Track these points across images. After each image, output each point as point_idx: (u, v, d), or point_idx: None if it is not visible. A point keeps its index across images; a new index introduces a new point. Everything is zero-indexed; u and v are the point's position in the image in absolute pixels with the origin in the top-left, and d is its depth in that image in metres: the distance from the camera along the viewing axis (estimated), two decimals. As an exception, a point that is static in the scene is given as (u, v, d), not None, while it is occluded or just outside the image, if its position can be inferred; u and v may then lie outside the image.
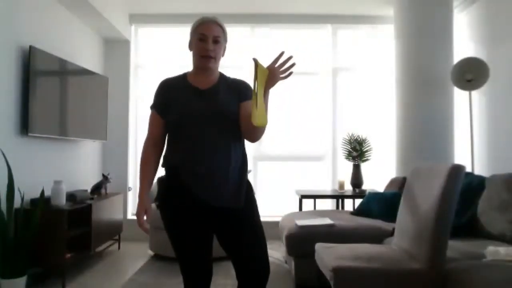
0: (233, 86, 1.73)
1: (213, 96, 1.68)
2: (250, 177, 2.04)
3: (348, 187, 4.30)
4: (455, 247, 2.42)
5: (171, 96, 1.68)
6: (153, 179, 1.72)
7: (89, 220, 3.49)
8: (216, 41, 1.67)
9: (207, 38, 1.65)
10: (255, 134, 1.65)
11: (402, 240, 2.39)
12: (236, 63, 4.31)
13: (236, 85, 1.74)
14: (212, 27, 1.67)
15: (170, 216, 1.67)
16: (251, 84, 1.61)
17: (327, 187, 4.93)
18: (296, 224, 3.09)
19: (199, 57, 1.68)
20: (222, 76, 1.77)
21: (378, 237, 2.94)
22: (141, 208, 1.65)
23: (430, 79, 4.05)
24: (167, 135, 1.73)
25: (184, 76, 1.75)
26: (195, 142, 1.62)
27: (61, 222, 3.09)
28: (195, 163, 1.61)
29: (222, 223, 1.68)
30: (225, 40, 1.73)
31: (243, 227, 1.68)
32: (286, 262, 3.68)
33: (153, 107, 1.74)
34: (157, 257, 3.99)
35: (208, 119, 1.63)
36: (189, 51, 1.75)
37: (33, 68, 3.21)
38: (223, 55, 1.75)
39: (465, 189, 2.89)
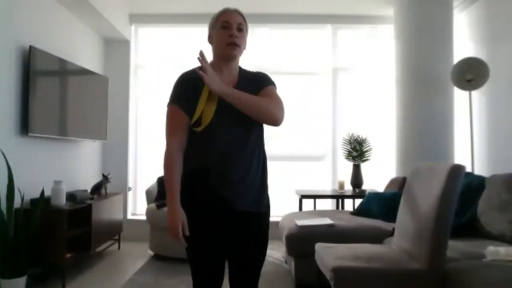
0: (254, 80, 1.67)
1: None
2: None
3: (348, 187, 4.30)
4: (455, 247, 2.43)
5: (195, 93, 1.56)
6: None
7: (89, 220, 3.49)
8: (240, 29, 1.61)
9: (231, 25, 1.60)
10: (268, 115, 1.57)
11: (402, 240, 2.39)
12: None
13: (256, 79, 1.68)
14: (235, 16, 1.63)
15: (191, 220, 1.54)
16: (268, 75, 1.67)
17: (327, 187, 4.93)
18: (296, 224, 3.09)
19: (224, 46, 1.60)
20: (241, 71, 1.71)
21: (378, 237, 2.94)
22: (177, 220, 1.49)
23: (430, 79, 4.05)
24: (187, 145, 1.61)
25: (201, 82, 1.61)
26: (226, 145, 1.54)
27: (61, 222, 3.09)
28: (227, 166, 1.54)
29: (238, 229, 1.60)
30: (247, 31, 1.67)
31: (251, 240, 1.62)
32: (286, 262, 3.68)
33: (175, 102, 1.58)
34: (157, 257, 3.99)
35: (235, 120, 1.55)
36: (209, 44, 1.68)
37: (33, 68, 3.21)
38: (245, 48, 1.67)
39: (465, 189, 2.90)
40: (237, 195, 1.55)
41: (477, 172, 3.75)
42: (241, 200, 1.56)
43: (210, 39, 1.68)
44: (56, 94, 3.62)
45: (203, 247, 1.56)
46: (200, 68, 1.54)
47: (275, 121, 1.59)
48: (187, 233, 1.50)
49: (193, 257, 1.59)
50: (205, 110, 1.53)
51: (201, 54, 1.53)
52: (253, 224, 1.62)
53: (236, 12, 1.65)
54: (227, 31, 1.59)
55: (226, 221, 1.57)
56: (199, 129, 1.53)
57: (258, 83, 1.65)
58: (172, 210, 1.51)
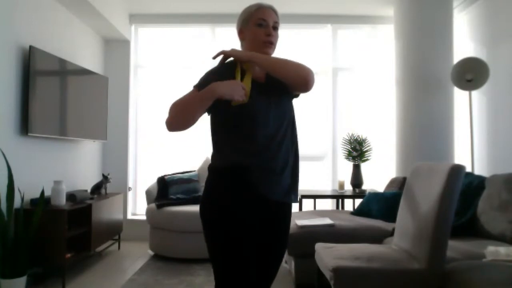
0: None
1: (271, 88, 1.56)
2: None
3: (348, 187, 4.30)
4: (455, 247, 2.43)
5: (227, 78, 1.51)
6: None
7: (89, 220, 3.49)
8: (275, 27, 1.58)
9: (268, 24, 1.56)
10: (299, 79, 1.52)
11: (402, 240, 2.39)
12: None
13: None
14: (271, 13, 1.58)
15: (227, 218, 1.45)
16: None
17: (327, 187, 4.93)
18: (296, 224, 3.09)
19: (260, 43, 1.55)
20: None
21: (378, 237, 2.94)
22: (230, 82, 1.46)
23: (430, 79, 4.05)
24: (218, 131, 1.56)
25: (234, 66, 1.57)
26: (262, 136, 1.48)
27: (61, 222, 3.09)
28: (268, 163, 1.49)
29: (273, 220, 1.59)
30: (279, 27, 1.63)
31: (282, 229, 1.63)
32: (286, 262, 3.68)
33: (199, 85, 1.52)
34: (157, 257, 3.99)
35: (263, 108, 1.50)
36: (240, 40, 1.64)
37: (33, 68, 3.21)
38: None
39: (465, 189, 2.90)
40: (278, 186, 1.52)
41: (477, 172, 3.76)
42: (280, 190, 1.53)
43: (242, 35, 1.62)
44: (56, 94, 3.62)
45: (243, 244, 1.46)
46: (223, 64, 1.57)
47: (307, 83, 1.52)
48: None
49: (233, 256, 1.44)
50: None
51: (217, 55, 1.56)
52: (285, 214, 1.63)
53: (271, 9, 1.60)
54: (264, 30, 1.56)
55: (263, 213, 1.53)
56: (243, 101, 1.45)
57: None
58: (209, 88, 1.44)
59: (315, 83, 1.54)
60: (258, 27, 1.55)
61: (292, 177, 1.59)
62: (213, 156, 1.58)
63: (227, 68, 1.56)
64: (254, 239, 1.49)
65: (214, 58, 1.58)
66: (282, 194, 1.54)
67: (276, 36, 1.59)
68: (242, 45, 1.64)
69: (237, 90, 1.44)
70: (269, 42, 1.56)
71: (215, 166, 1.54)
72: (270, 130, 1.50)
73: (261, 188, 1.48)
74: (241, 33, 1.61)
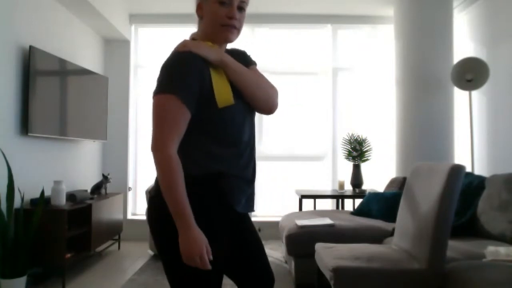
0: (241, 58, 1.40)
1: None
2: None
3: (348, 187, 4.30)
4: (455, 247, 2.43)
5: (204, 81, 1.23)
6: None
7: (89, 220, 3.49)
8: (241, 7, 1.30)
9: (231, 2, 1.27)
10: (262, 98, 1.33)
11: (402, 240, 2.39)
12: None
13: (242, 56, 1.42)
14: None
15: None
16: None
17: (327, 187, 4.93)
18: (296, 224, 3.09)
19: (219, 26, 1.28)
20: (226, 50, 1.39)
21: (378, 237, 2.94)
22: (202, 244, 1.16)
23: (430, 79, 4.05)
24: (191, 132, 1.26)
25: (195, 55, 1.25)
26: (239, 142, 1.30)
27: (61, 222, 3.09)
28: (242, 168, 1.32)
29: (239, 231, 1.40)
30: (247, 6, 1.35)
31: (252, 233, 1.46)
32: (286, 262, 3.67)
33: (176, 92, 1.19)
34: (157, 257, 3.99)
35: (241, 111, 1.31)
36: (196, 18, 1.36)
37: (33, 68, 3.21)
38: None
39: (465, 189, 2.90)
40: (248, 196, 1.36)
41: (477, 172, 3.76)
42: (248, 202, 1.37)
43: (200, 11, 1.34)
44: (56, 94, 3.62)
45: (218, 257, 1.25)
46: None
47: (271, 107, 1.36)
48: (211, 257, 1.18)
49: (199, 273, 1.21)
50: (223, 92, 1.26)
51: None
52: (249, 222, 1.47)
53: None
54: (225, 9, 1.27)
55: (233, 225, 1.36)
56: (231, 102, 1.25)
57: (245, 61, 1.41)
58: (193, 233, 1.16)
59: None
60: (220, 5, 1.27)
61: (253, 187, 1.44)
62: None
63: (199, 69, 1.23)
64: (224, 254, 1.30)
65: (180, 51, 1.25)
66: (250, 205, 1.39)
67: (242, 18, 1.32)
68: (199, 24, 1.35)
69: (201, 261, 1.17)
70: (231, 26, 1.28)
71: (187, 174, 1.20)
72: (245, 136, 1.33)
73: (232, 199, 1.29)
74: (200, 8, 1.34)
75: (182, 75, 1.21)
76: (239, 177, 1.31)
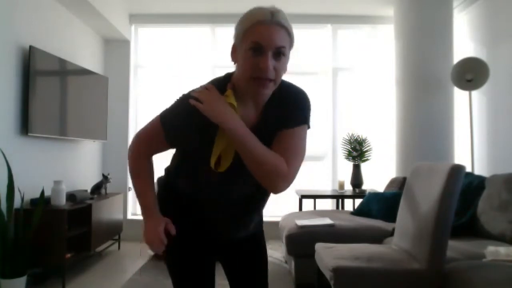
0: (283, 115, 1.18)
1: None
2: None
3: (348, 187, 4.30)
4: (455, 247, 2.43)
5: (201, 135, 1.14)
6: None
7: (89, 220, 3.49)
8: (279, 53, 1.08)
9: (265, 50, 1.05)
10: (266, 179, 1.13)
11: (402, 240, 2.39)
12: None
13: (286, 114, 1.18)
14: (274, 33, 1.06)
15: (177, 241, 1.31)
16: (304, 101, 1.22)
17: (327, 187, 4.93)
18: (296, 224, 3.09)
19: (248, 79, 1.08)
20: (271, 99, 1.18)
21: (378, 237, 2.94)
22: (158, 223, 1.23)
23: (430, 79, 4.05)
24: (178, 159, 1.34)
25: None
26: (219, 200, 1.27)
27: (61, 222, 3.09)
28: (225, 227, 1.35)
29: (232, 251, 1.44)
30: (291, 47, 1.15)
31: (254, 258, 1.48)
32: (286, 262, 3.67)
33: (166, 129, 1.18)
34: (157, 257, 3.99)
35: (233, 174, 1.18)
36: (231, 61, 1.16)
37: (33, 68, 3.21)
38: (285, 71, 1.13)
39: (465, 189, 2.90)
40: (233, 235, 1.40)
41: (477, 172, 3.75)
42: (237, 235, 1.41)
43: (234, 55, 1.14)
44: (56, 94, 3.62)
45: (192, 270, 1.39)
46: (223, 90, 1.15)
47: (274, 189, 1.14)
48: (173, 232, 1.25)
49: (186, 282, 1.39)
50: (213, 155, 1.14)
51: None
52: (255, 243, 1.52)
53: (278, 24, 1.07)
54: (257, 58, 1.06)
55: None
56: (219, 169, 1.15)
57: (286, 121, 1.17)
58: (148, 224, 1.27)
59: (286, 189, 1.16)
60: (253, 52, 1.06)
61: (256, 222, 1.50)
62: (172, 175, 1.37)
63: (201, 125, 1.11)
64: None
65: (192, 105, 1.10)
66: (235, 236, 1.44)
67: (282, 65, 1.10)
68: (236, 68, 1.17)
69: (156, 243, 1.24)
70: (264, 79, 1.07)
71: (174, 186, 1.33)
72: (232, 196, 1.29)
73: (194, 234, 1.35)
74: (234, 51, 1.15)
75: (175, 121, 1.16)
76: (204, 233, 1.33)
